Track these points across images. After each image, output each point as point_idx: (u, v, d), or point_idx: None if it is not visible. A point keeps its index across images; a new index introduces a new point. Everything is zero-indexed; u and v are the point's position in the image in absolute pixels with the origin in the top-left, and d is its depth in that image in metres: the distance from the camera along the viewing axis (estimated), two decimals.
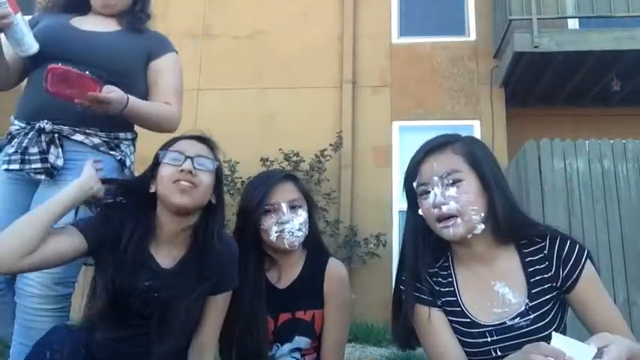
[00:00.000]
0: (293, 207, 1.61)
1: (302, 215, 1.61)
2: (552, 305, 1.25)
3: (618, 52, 5.00)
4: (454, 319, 1.30)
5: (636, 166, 4.61)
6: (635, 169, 4.59)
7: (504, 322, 1.24)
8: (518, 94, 5.92)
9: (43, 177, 1.67)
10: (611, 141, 4.77)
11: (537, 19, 5.00)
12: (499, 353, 1.23)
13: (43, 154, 1.66)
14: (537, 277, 1.26)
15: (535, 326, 1.22)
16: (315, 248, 1.71)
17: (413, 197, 1.35)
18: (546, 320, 1.23)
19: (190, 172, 1.41)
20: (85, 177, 1.46)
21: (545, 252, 1.26)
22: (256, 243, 1.63)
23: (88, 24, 1.85)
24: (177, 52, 1.99)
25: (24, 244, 1.27)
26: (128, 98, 1.65)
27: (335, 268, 1.68)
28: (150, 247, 1.49)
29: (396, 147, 5.80)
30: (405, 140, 5.83)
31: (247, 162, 5.30)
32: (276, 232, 1.57)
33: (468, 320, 1.28)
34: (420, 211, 1.32)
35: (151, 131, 1.86)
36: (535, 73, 5.47)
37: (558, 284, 1.25)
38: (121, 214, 1.47)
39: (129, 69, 1.82)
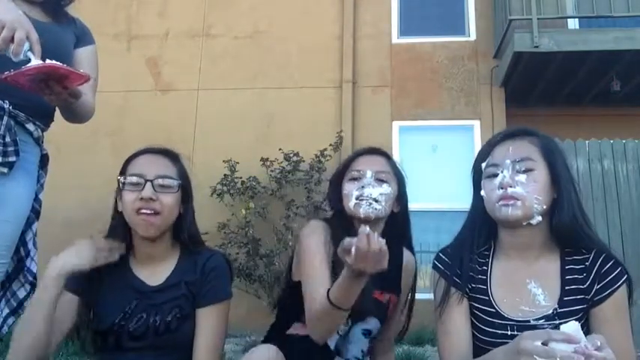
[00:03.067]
0: (379, 180, 1.55)
1: (385, 189, 1.55)
2: (580, 317, 1.25)
3: (618, 52, 5.00)
4: (479, 306, 1.31)
5: (636, 166, 4.61)
6: (635, 169, 4.60)
7: (528, 321, 1.25)
8: (518, 94, 5.92)
9: (5, 170, 1.44)
10: (611, 141, 4.77)
11: (537, 19, 5.00)
12: None
13: (16, 144, 1.46)
14: (572, 287, 1.26)
15: None
16: (397, 236, 1.64)
17: (478, 179, 1.37)
18: None
19: (151, 198, 1.35)
20: (84, 259, 1.34)
21: (587, 264, 1.27)
22: (345, 222, 1.57)
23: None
24: (95, 44, 1.84)
25: (39, 349, 1.27)
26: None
27: (410, 261, 1.68)
28: (133, 268, 1.44)
29: (396, 147, 5.79)
30: (405, 140, 5.84)
31: (247, 162, 5.30)
32: (355, 199, 1.53)
33: (493, 310, 1.29)
34: (482, 193, 1.33)
35: (66, 120, 1.72)
36: (535, 73, 5.47)
37: (589, 297, 1.25)
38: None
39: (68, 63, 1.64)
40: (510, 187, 1.26)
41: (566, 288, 1.26)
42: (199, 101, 6.03)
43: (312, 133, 5.66)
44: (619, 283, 1.23)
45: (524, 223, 1.26)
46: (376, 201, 1.52)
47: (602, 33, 5.07)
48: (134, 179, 1.38)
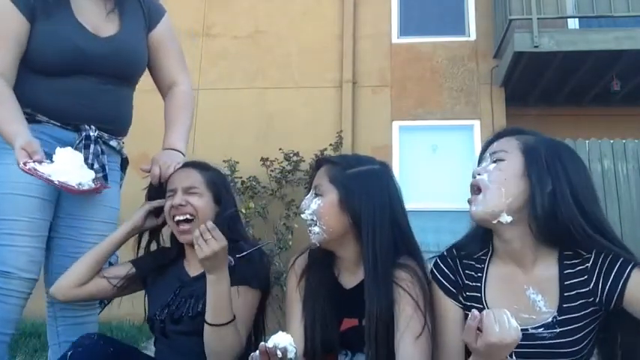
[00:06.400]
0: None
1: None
2: (586, 323, 1.20)
3: (618, 52, 4.99)
4: None
5: (636, 166, 4.61)
6: (635, 169, 4.60)
7: (527, 329, 1.19)
8: (518, 94, 5.91)
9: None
10: (611, 141, 4.77)
11: (537, 18, 4.99)
12: (514, 358, 1.18)
13: (104, 170, 1.60)
14: (572, 292, 1.21)
15: (559, 340, 1.18)
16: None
17: None
18: (574, 338, 1.19)
19: (181, 204, 1.52)
20: (139, 218, 1.61)
21: (588, 265, 1.21)
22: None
23: (88, 17, 1.62)
24: (166, 12, 1.88)
25: (77, 277, 1.54)
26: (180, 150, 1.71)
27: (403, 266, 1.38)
28: (185, 266, 1.62)
29: (396, 147, 5.79)
30: (405, 140, 5.83)
31: (247, 162, 5.30)
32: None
33: None
34: None
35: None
36: (535, 73, 5.47)
37: (597, 300, 1.19)
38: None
39: (143, 65, 1.81)
40: (478, 174, 1.27)
41: (566, 294, 1.21)
42: (199, 101, 6.01)
43: (312, 133, 5.66)
44: (626, 274, 1.16)
45: (494, 222, 1.22)
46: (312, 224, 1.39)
47: (602, 33, 5.06)
48: (169, 194, 1.58)
